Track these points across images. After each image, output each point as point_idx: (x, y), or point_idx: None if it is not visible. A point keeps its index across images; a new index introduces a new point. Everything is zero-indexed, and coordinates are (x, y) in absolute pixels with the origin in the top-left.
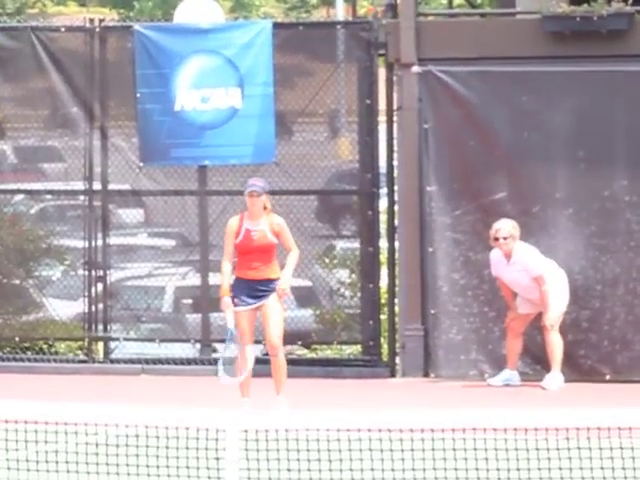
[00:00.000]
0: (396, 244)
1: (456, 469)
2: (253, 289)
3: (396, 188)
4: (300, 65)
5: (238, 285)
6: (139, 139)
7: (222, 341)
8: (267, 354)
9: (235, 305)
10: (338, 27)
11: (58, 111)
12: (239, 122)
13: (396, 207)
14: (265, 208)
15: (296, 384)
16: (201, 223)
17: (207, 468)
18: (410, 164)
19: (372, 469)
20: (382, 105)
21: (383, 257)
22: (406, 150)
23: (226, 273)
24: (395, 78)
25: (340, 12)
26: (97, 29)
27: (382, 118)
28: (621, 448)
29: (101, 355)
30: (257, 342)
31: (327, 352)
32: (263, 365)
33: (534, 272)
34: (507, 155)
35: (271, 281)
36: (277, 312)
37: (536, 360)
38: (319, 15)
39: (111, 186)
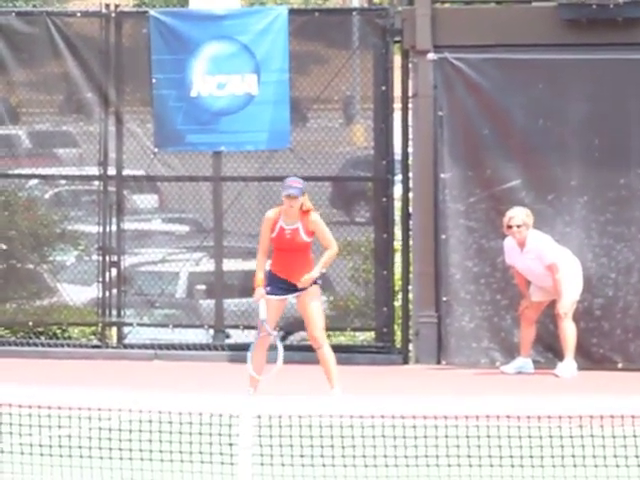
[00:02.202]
0: (410, 231)
1: (469, 456)
2: (287, 283)
3: (411, 175)
4: (316, 52)
5: (271, 278)
6: (154, 125)
7: (235, 327)
8: (282, 340)
9: (266, 293)
10: (354, 14)
11: (73, 96)
12: (255, 108)
13: (410, 194)
14: (302, 209)
15: (309, 370)
16: (215, 209)
17: (220, 454)
18: (425, 151)
19: (385, 456)
20: (397, 92)
21: (397, 244)
22: (421, 137)
23: (260, 265)
24: (410, 65)
25: None
26: (113, 14)
27: (397, 105)
28: (634, 436)
29: (114, 340)
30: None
31: (340, 339)
32: (276, 351)
33: (548, 260)
34: (522, 143)
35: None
36: (315, 304)
37: (549, 348)
38: (335, 1)
39: (126, 171)
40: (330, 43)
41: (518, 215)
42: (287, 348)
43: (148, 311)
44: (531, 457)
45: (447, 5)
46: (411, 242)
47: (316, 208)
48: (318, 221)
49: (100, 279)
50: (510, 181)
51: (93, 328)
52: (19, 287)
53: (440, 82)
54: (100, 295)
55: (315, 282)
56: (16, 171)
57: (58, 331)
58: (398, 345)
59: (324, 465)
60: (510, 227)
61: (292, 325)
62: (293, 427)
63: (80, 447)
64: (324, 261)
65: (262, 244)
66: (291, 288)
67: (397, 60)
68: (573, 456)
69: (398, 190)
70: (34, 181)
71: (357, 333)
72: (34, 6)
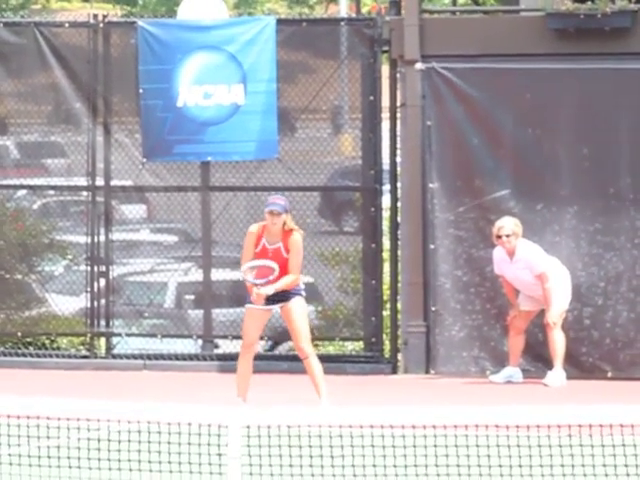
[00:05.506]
0: (398, 241)
1: (458, 466)
2: (269, 296)
3: (399, 185)
4: (303, 61)
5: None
6: (142, 135)
7: (224, 337)
8: (270, 350)
9: (250, 302)
10: (342, 24)
11: (61, 107)
12: (242, 118)
13: (399, 204)
14: (284, 229)
15: (298, 380)
16: (204, 219)
17: (209, 464)
18: (413, 161)
19: (374, 465)
20: (385, 102)
21: (385, 254)
22: (409, 147)
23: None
24: (398, 75)
25: (344, 9)
26: (101, 25)
27: (385, 115)
28: (623, 445)
29: (103, 351)
30: (260, 338)
31: (329, 348)
32: (264, 361)
33: (537, 269)
34: (510, 152)
35: (288, 292)
36: (299, 314)
37: (538, 357)
38: (322, 11)
39: (114, 182)
40: (318, 53)
41: (507, 225)
42: (275, 358)
43: (137, 321)
44: (520, 467)
45: (435, 15)
46: (399, 252)
47: (304, 218)
48: (297, 243)
49: (89, 289)
50: (499, 190)
51: (82, 338)
52: (7, 297)
53: (428, 92)
54: (89, 305)
55: (299, 293)
56: (4, 182)
57: (47, 341)
58: (387, 355)
59: (313, 475)
60: (499, 237)
61: (280, 335)
62: (282, 437)
63: (69, 458)
64: (281, 284)
65: (245, 258)
66: (275, 299)
67: (385, 70)
68: (562, 465)
69: (386, 200)
70: (22, 192)
71: (346, 343)
72: (22, 16)
